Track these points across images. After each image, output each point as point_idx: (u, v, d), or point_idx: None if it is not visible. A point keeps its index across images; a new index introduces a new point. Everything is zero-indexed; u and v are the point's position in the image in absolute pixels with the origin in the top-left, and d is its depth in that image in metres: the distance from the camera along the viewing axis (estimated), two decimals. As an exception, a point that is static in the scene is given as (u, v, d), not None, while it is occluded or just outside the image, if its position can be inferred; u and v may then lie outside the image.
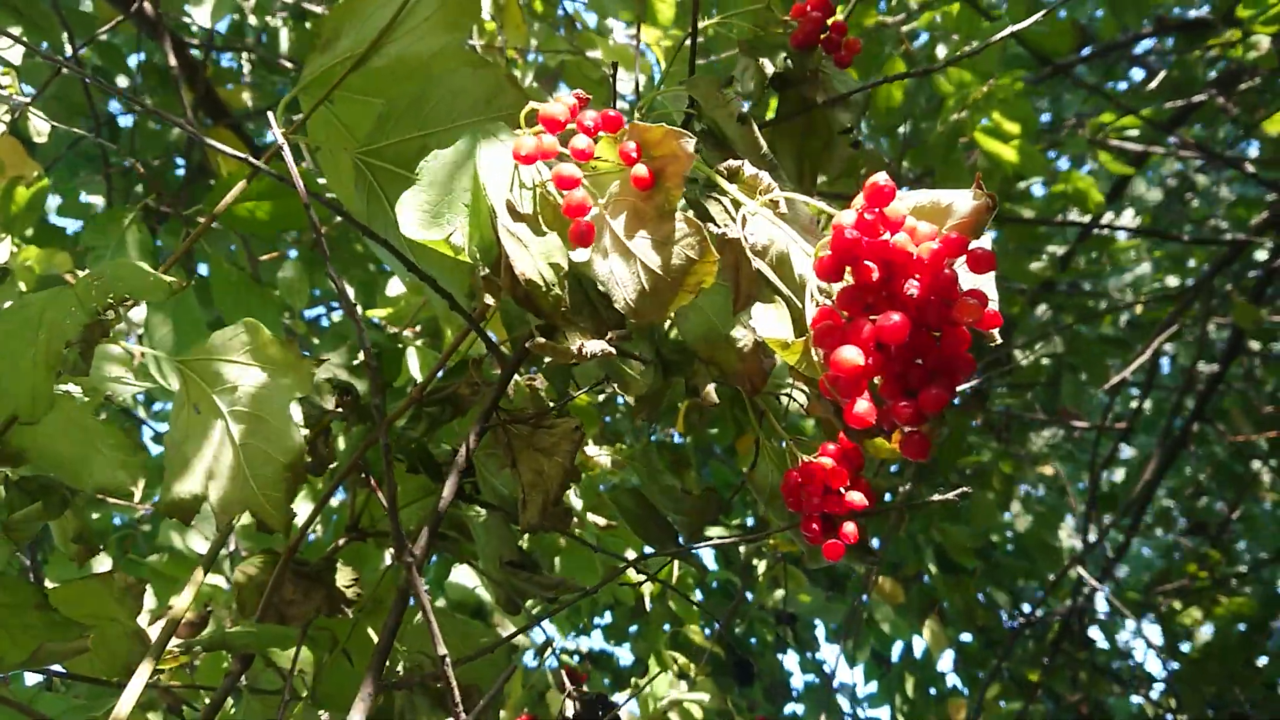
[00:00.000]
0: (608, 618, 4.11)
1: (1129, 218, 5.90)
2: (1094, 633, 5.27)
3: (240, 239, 3.01)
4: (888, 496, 3.60)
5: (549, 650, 2.85)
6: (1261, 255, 4.60)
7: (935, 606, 4.61)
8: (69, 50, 2.76)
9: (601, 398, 2.44)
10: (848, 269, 0.83)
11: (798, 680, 6.20)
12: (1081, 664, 4.81)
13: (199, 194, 3.48)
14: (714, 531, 3.31)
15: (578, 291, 1.08)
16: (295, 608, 1.41)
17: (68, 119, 3.25)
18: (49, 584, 2.05)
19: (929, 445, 0.86)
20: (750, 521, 4.33)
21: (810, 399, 1.21)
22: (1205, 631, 5.00)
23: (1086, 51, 4.53)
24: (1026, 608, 5.27)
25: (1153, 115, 4.07)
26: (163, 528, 2.35)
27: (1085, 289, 5.34)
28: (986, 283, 0.86)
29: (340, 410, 1.45)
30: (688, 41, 1.39)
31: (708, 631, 3.38)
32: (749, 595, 4.21)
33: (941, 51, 3.52)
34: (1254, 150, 5.22)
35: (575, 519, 2.42)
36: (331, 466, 1.48)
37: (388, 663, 1.11)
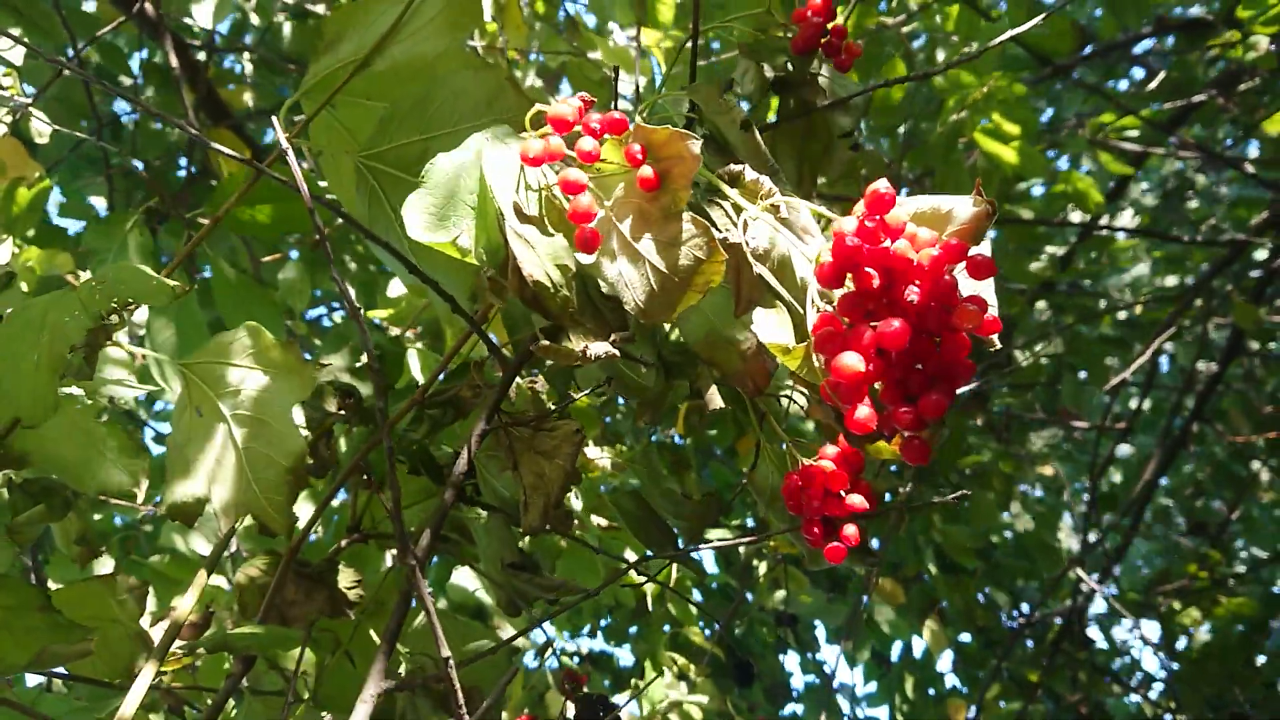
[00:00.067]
0: (609, 619, 4.12)
1: (1128, 218, 5.90)
2: (1094, 633, 5.28)
3: (242, 240, 3.01)
4: (888, 496, 3.60)
5: (549, 651, 2.86)
6: (1261, 255, 4.61)
7: (935, 607, 4.61)
8: (70, 51, 2.76)
9: (602, 399, 2.44)
10: (849, 275, 0.84)
11: (797, 680, 6.21)
12: (1081, 664, 4.81)
13: (200, 194, 3.49)
14: (714, 533, 3.31)
15: (580, 293, 1.08)
16: (297, 609, 1.41)
17: (69, 119, 3.25)
18: (51, 584, 2.05)
19: (930, 450, 0.87)
20: (750, 522, 4.33)
21: (810, 402, 1.21)
22: (1205, 632, 5.00)
23: (1087, 51, 4.54)
24: (1026, 608, 5.28)
25: (1152, 116, 4.07)
26: (164, 529, 2.35)
27: (1085, 289, 5.34)
28: (986, 289, 0.86)
29: (342, 413, 1.46)
30: (688, 44, 1.39)
31: (708, 633, 3.39)
32: (749, 596, 4.22)
33: (941, 54, 3.52)
34: (1254, 150, 5.23)
35: (576, 521, 2.43)
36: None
37: (389, 664, 1.11)
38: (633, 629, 3.99)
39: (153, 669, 1.08)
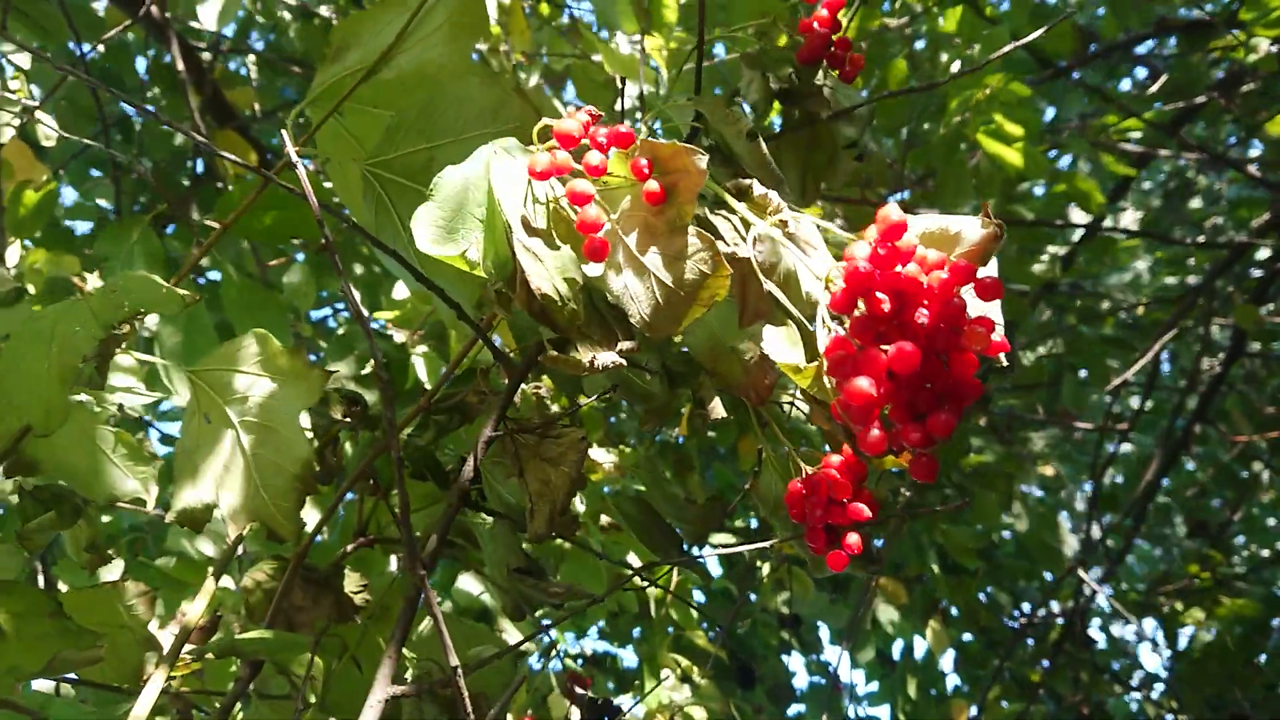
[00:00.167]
0: (607, 622, 4.12)
1: (1130, 218, 5.90)
2: (1095, 633, 5.29)
3: (248, 243, 3.02)
4: (889, 496, 3.61)
5: (553, 652, 2.86)
6: (1263, 254, 4.61)
7: (938, 607, 4.62)
8: (76, 52, 2.77)
9: (606, 402, 2.45)
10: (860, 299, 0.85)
11: (800, 680, 6.22)
12: (1083, 664, 4.82)
13: (207, 195, 3.50)
14: (717, 536, 3.32)
15: (587, 304, 1.09)
16: (304, 614, 1.42)
17: (77, 121, 3.26)
18: (61, 586, 2.06)
19: (937, 467, 0.88)
20: (753, 523, 4.34)
21: (813, 410, 1.22)
22: (1206, 632, 5.00)
23: (1089, 52, 4.54)
24: (1027, 608, 5.29)
25: (1154, 117, 4.08)
26: (172, 531, 2.35)
27: (1087, 289, 5.34)
28: (992, 309, 0.87)
29: (348, 420, 1.46)
30: (691, 49, 1.40)
31: (712, 635, 3.39)
32: (753, 597, 4.22)
33: (943, 55, 3.52)
34: (1255, 150, 5.22)
35: (580, 524, 2.43)
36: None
37: (396, 670, 1.12)
38: (636, 631, 4.00)
39: (163, 674, 1.09)
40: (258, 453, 1.17)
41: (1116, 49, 4.50)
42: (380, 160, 1.23)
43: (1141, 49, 4.90)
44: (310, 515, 1.78)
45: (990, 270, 0.85)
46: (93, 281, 2.17)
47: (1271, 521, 6.14)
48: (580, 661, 4.15)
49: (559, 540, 2.45)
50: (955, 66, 3.25)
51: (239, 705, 1.37)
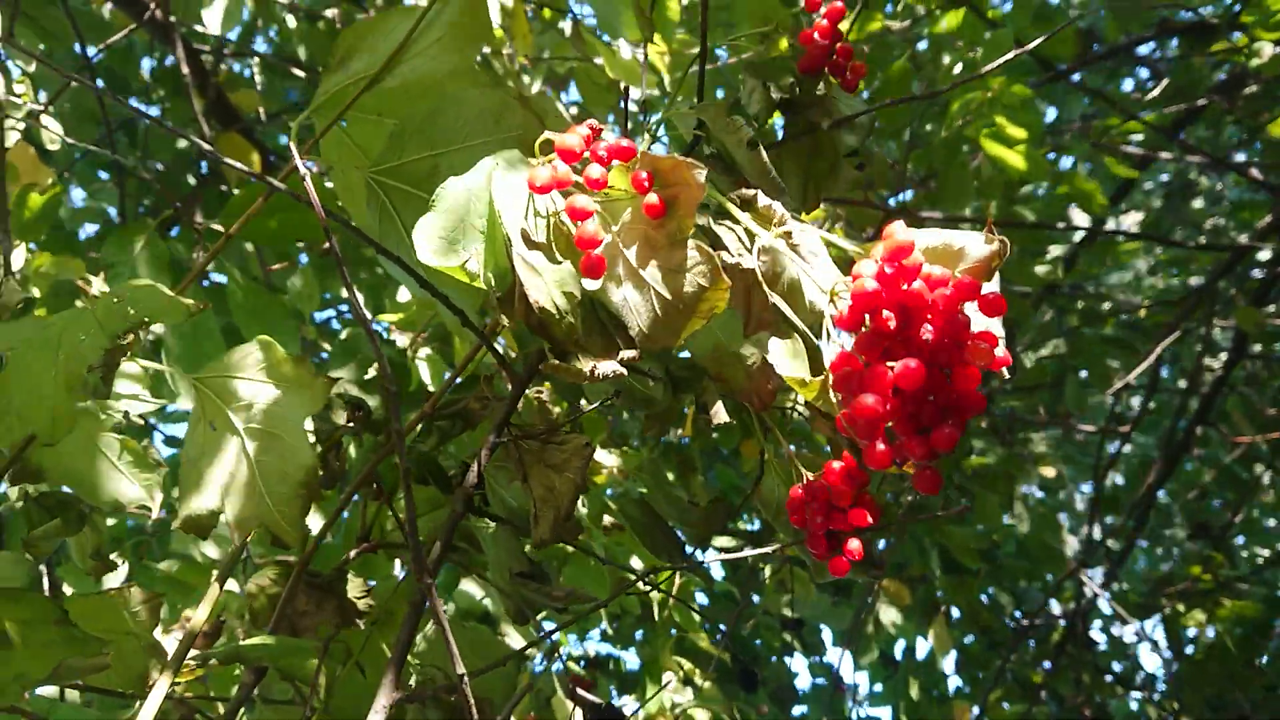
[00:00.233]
0: (607, 623, 4.12)
1: (1132, 218, 5.90)
2: (1096, 634, 5.29)
3: (253, 246, 3.03)
4: (890, 498, 3.62)
5: (555, 654, 2.87)
6: (1265, 255, 4.61)
7: (941, 608, 4.62)
8: (80, 55, 2.78)
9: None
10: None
11: (802, 680, 6.22)
12: (1085, 666, 4.82)
13: (211, 197, 3.51)
14: (720, 538, 3.33)
15: (589, 312, 1.09)
16: (308, 619, 1.43)
17: (81, 124, 3.27)
18: (66, 589, 2.07)
19: (941, 479, 0.89)
20: (756, 525, 4.34)
21: (816, 419, 1.23)
22: (1208, 634, 5.01)
23: (1090, 55, 4.54)
24: (1029, 609, 5.29)
25: (1155, 119, 4.08)
26: (176, 534, 2.36)
27: (1088, 290, 5.34)
28: (994, 323, 0.88)
29: (351, 425, 1.47)
30: (695, 53, 1.40)
31: (716, 636, 3.40)
32: (755, 598, 4.23)
33: (945, 57, 3.52)
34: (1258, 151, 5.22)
35: (583, 528, 2.43)
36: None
37: (400, 675, 1.13)
38: (639, 633, 4.00)
39: (167, 681, 1.09)
40: (262, 460, 1.17)
41: (1118, 51, 4.51)
42: (384, 168, 1.23)
43: (1143, 49, 4.90)
44: (314, 520, 1.79)
45: (993, 286, 0.86)
46: (98, 285, 2.18)
47: (1271, 523, 6.14)
48: (583, 663, 4.15)
49: (561, 544, 2.46)
50: (958, 68, 3.25)
51: (243, 710, 1.37)
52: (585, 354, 1.02)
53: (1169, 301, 5.00)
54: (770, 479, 1.32)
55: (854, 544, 1.10)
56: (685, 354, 1.42)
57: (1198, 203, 6.10)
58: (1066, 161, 5.02)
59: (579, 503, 1.57)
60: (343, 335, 2.68)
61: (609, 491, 2.65)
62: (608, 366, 1.01)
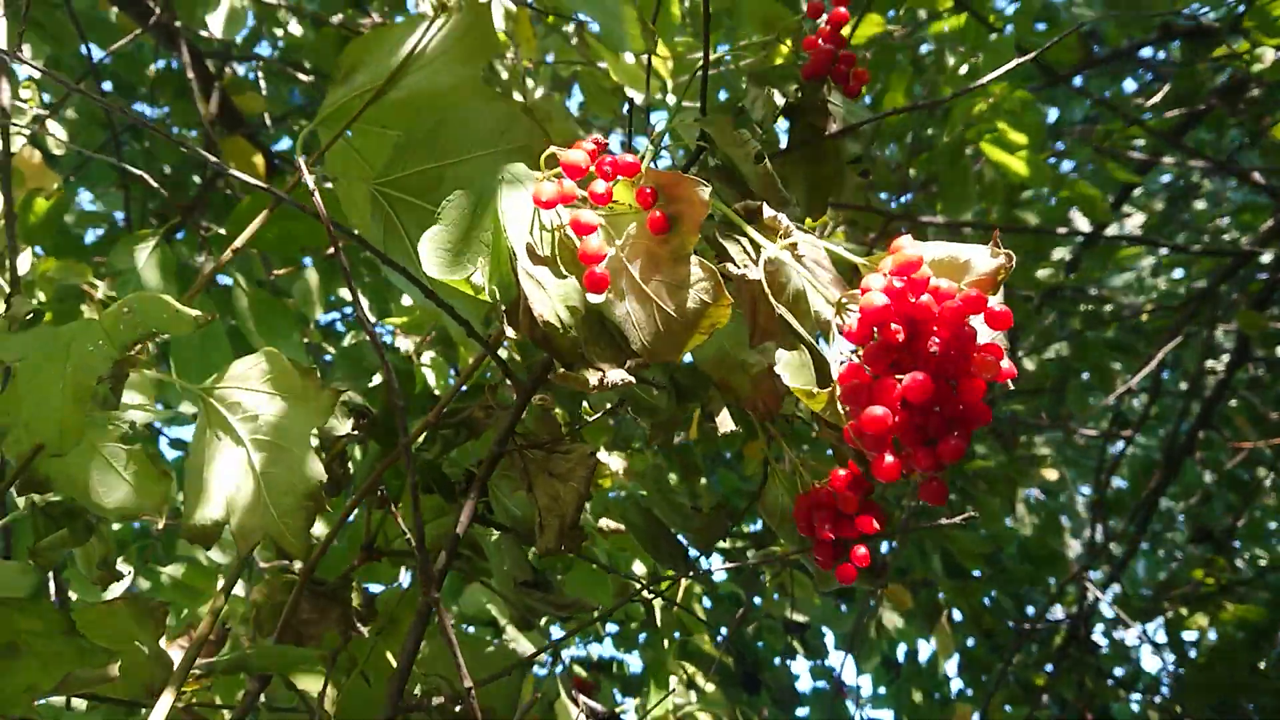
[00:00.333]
0: (616, 628, 4.13)
1: (1134, 220, 5.89)
2: (1099, 637, 5.29)
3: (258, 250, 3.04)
4: (892, 501, 3.62)
5: (559, 659, 2.87)
6: (1267, 258, 4.61)
7: (944, 611, 4.62)
8: (85, 57, 2.78)
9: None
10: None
11: (804, 683, 6.22)
12: (1087, 669, 4.82)
13: (217, 200, 3.51)
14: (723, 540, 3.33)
15: (595, 321, 1.10)
16: (312, 627, 1.43)
17: (88, 127, 3.28)
18: (73, 594, 2.07)
19: (947, 490, 0.89)
20: (759, 524, 4.34)
21: (822, 428, 1.23)
22: (1211, 637, 5.01)
23: (1094, 56, 4.54)
24: (1031, 612, 5.29)
25: (1157, 124, 4.08)
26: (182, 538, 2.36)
27: (1091, 293, 5.34)
28: (999, 335, 0.89)
29: (357, 433, 1.47)
30: (697, 57, 1.41)
31: (718, 640, 3.40)
32: (757, 601, 4.23)
33: (949, 59, 3.52)
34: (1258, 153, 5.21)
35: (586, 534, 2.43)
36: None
37: (405, 685, 1.13)
38: (642, 636, 4.00)
39: (172, 696, 1.10)
40: (268, 471, 1.17)
41: (1120, 55, 4.50)
42: (388, 179, 1.24)
43: (1145, 51, 4.90)
44: (318, 526, 1.80)
45: (999, 299, 0.87)
46: (103, 289, 2.19)
47: (1274, 525, 6.14)
48: (586, 666, 4.16)
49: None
50: (963, 69, 3.25)
51: (248, 718, 1.38)
52: (591, 364, 1.02)
53: (1171, 306, 5.00)
54: (774, 486, 1.32)
55: (860, 551, 1.10)
56: (688, 359, 1.43)
57: (1200, 204, 6.10)
58: (1068, 164, 5.02)
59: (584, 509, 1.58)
60: (347, 339, 2.68)
61: (611, 495, 2.65)
62: (616, 375, 1.02)
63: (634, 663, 4.51)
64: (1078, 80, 4.17)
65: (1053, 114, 5.39)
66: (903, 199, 3.87)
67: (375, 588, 1.66)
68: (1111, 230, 4.79)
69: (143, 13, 3.02)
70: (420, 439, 1.48)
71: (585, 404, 1.58)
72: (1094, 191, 3.63)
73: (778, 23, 1.59)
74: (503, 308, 1.00)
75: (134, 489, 1.18)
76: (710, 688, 3.11)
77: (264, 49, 4.06)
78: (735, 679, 4.24)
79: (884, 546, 3.95)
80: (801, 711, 5.17)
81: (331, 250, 1.13)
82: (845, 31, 1.36)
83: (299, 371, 1.19)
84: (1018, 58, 1.53)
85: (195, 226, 2.74)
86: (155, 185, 1.96)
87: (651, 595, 1.92)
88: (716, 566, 1.46)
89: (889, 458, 0.86)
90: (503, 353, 1.50)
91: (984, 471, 4.52)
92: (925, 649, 4.93)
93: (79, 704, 1.52)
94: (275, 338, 2.25)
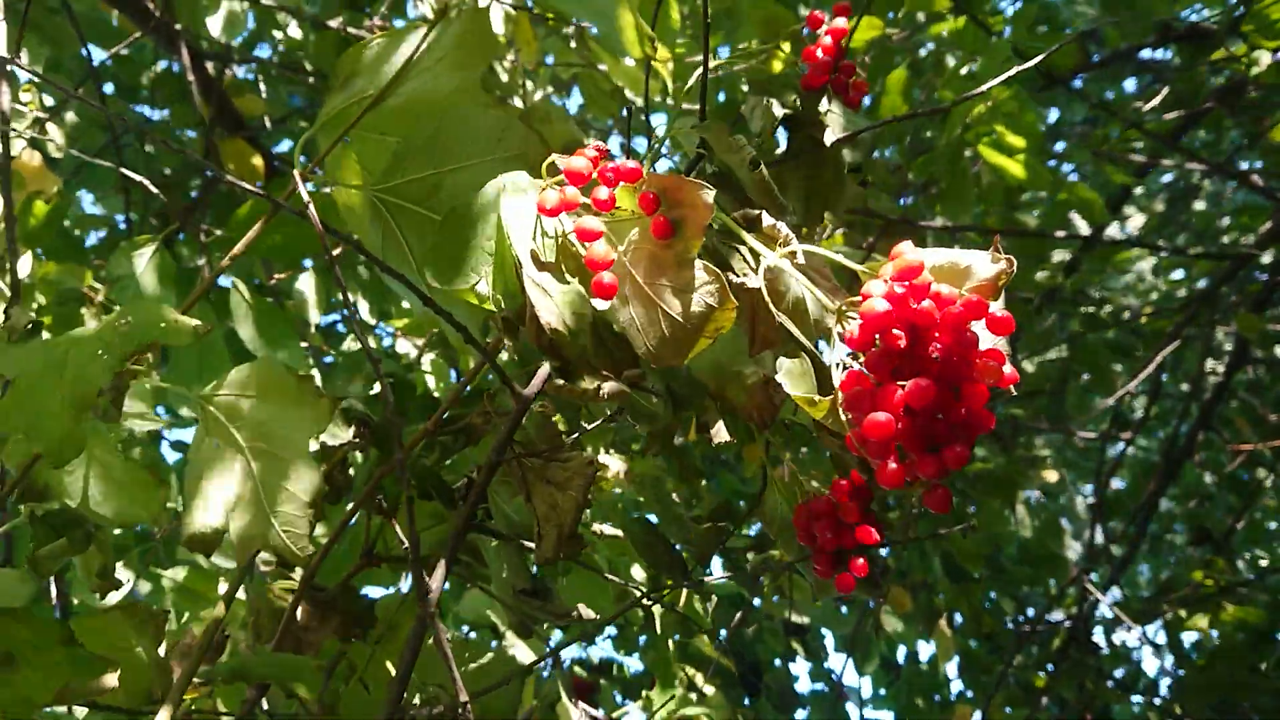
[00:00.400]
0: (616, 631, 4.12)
1: (1134, 222, 5.89)
2: (1099, 639, 5.29)
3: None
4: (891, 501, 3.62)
5: (559, 662, 2.86)
6: (1267, 259, 4.60)
7: (944, 612, 4.62)
8: (85, 58, 2.78)
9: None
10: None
11: (803, 685, 6.22)
12: (1088, 670, 4.82)
13: (218, 202, 3.51)
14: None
15: (593, 333, 1.10)
16: (311, 634, 1.43)
17: (88, 130, 3.28)
18: (73, 598, 2.07)
19: (951, 497, 0.89)
20: (758, 526, 4.34)
21: (822, 436, 1.23)
22: (1211, 638, 5.00)
23: (1091, 60, 4.54)
24: (1031, 614, 5.29)
25: (1156, 127, 4.07)
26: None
27: (1090, 295, 5.33)
28: (1001, 340, 0.89)
29: (357, 441, 1.47)
30: (697, 59, 1.41)
31: (718, 641, 3.40)
32: (757, 602, 4.23)
33: (950, 60, 3.52)
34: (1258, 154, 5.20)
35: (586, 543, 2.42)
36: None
37: (404, 694, 1.13)
38: (642, 638, 4.00)
39: (169, 712, 1.10)
40: (267, 479, 1.17)
41: (1119, 57, 4.50)
42: (387, 186, 1.24)
43: (1144, 53, 4.89)
44: (318, 531, 1.79)
45: (1000, 305, 0.87)
46: (103, 293, 2.18)
47: (1274, 527, 6.14)
48: (586, 669, 4.16)
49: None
50: (964, 70, 3.25)
51: (247, 725, 1.38)
52: (592, 373, 1.02)
53: (1170, 308, 5.00)
54: (772, 495, 1.32)
55: (860, 561, 1.11)
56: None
57: (1199, 204, 6.09)
58: (1067, 166, 5.02)
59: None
60: (348, 342, 2.68)
61: (615, 492, 2.65)
62: (612, 386, 1.02)
63: (634, 665, 4.51)
64: (1077, 82, 4.17)
65: (1053, 114, 5.39)
66: (901, 201, 3.86)
67: (376, 592, 1.67)
68: (1112, 232, 4.79)
69: (143, 15, 3.01)
70: (419, 446, 1.48)
71: (585, 410, 1.58)
72: (1092, 195, 3.63)
73: (778, 24, 1.59)
74: (502, 315, 1.00)
75: (132, 498, 1.18)
76: (710, 690, 3.11)
77: (264, 51, 4.05)
78: (735, 681, 4.23)
79: (884, 551, 3.96)
80: (801, 713, 5.17)
81: (325, 249, 1.12)
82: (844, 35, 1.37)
83: (297, 379, 1.19)
84: (1016, 62, 1.53)
85: (195, 229, 2.74)
86: (155, 190, 1.95)
87: (651, 602, 1.92)
88: (715, 577, 1.45)
89: (892, 464, 0.86)
90: (503, 357, 1.49)
91: (984, 474, 4.51)
92: (925, 650, 4.92)
93: (80, 711, 1.52)
94: (274, 344, 2.25)
